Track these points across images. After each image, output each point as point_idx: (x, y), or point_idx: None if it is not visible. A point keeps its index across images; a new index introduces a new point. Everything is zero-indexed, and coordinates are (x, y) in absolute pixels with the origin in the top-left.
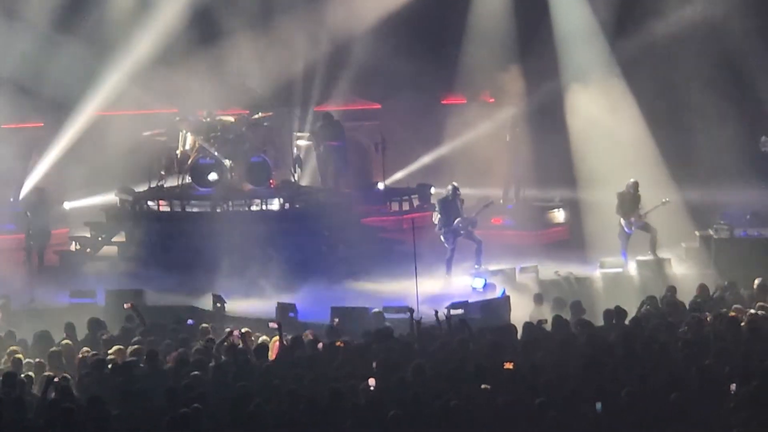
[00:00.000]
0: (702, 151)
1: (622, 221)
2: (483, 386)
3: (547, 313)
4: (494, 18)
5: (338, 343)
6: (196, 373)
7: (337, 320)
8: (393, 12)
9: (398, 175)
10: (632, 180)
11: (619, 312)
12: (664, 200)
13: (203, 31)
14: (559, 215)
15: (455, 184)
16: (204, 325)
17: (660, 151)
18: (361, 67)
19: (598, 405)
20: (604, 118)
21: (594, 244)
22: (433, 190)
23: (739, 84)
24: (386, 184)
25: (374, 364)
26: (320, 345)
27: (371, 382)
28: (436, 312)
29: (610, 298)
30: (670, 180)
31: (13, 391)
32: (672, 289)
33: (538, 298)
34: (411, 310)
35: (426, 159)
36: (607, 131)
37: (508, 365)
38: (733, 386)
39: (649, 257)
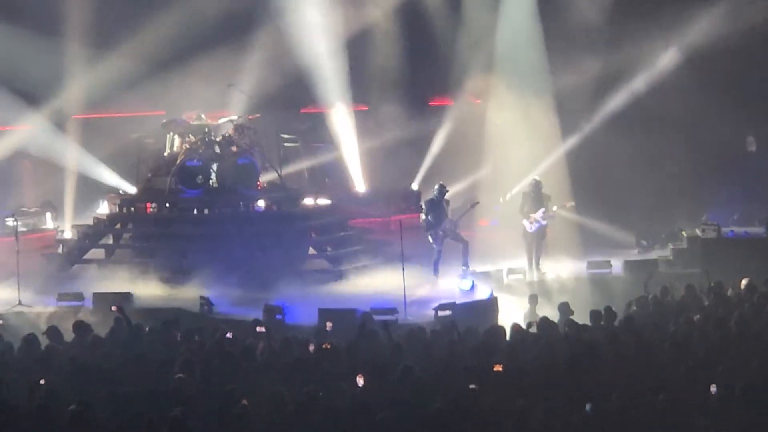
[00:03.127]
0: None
1: (524, 221)
2: (471, 386)
3: (541, 314)
4: (482, 21)
5: (325, 345)
6: (182, 375)
7: (330, 324)
8: (380, 15)
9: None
10: (534, 179)
11: (607, 313)
12: (570, 202)
13: (192, 34)
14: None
15: (442, 183)
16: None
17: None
18: (348, 68)
19: (588, 406)
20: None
21: (580, 245)
22: (415, 186)
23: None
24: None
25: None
26: (311, 347)
27: (359, 380)
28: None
29: (598, 298)
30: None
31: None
32: (664, 290)
33: (533, 299)
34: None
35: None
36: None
37: (498, 367)
38: (713, 387)
39: (636, 258)
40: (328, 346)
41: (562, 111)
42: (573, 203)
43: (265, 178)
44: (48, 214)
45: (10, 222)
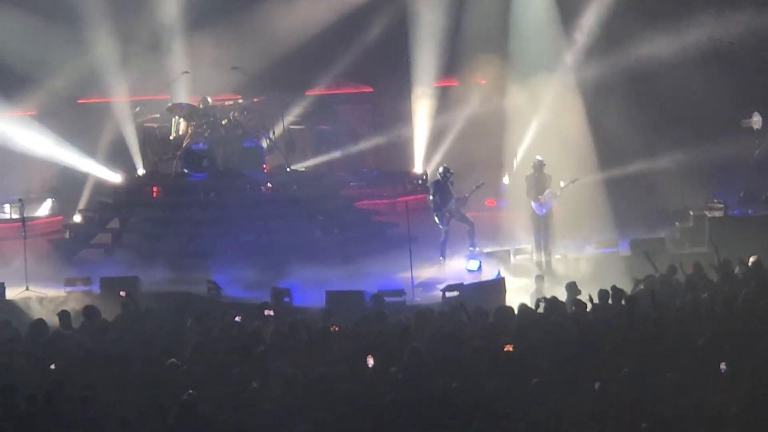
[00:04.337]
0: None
1: (533, 204)
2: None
3: (548, 294)
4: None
5: (333, 328)
6: (174, 360)
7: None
8: None
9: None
10: (536, 159)
11: (614, 291)
12: (575, 178)
13: (195, 15)
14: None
15: (446, 165)
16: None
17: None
18: (352, 50)
19: (597, 384)
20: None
21: (588, 224)
22: (419, 167)
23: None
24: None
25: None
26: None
27: (369, 360)
28: None
29: (605, 277)
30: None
31: (5, 380)
32: (671, 269)
33: (540, 279)
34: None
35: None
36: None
37: (508, 347)
38: (723, 365)
39: (642, 237)
40: (336, 329)
41: (581, 90)
42: (578, 179)
43: (270, 160)
44: (49, 201)
45: (7, 208)
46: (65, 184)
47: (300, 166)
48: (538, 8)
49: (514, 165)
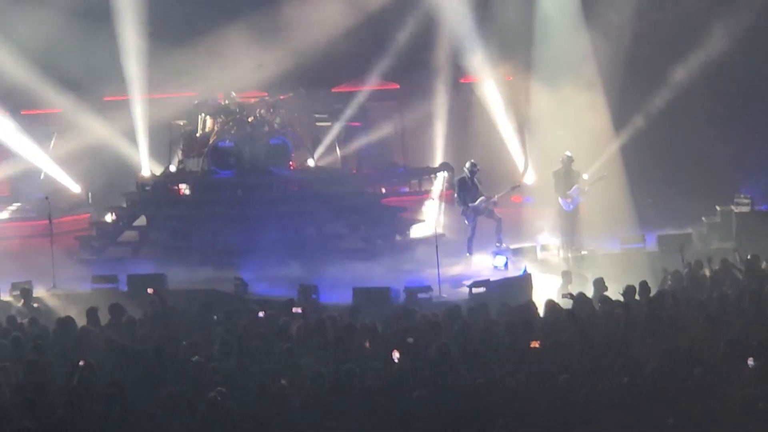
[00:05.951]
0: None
1: (560, 200)
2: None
3: (575, 291)
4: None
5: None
6: (197, 357)
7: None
8: None
9: None
10: (566, 154)
11: (642, 288)
12: (603, 174)
13: (221, 12)
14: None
15: (474, 161)
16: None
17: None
18: (379, 46)
19: (625, 380)
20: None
21: (613, 220)
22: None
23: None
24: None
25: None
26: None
27: (395, 354)
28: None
29: (632, 273)
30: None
31: (37, 378)
32: (698, 264)
33: (566, 275)
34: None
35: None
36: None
37: (535, 344)
38: (751, 361)
39: (669, 232)
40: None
41: (606, 88)
42: (605, 174)
43: (297, 158)
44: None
45: (13, 207)
46: (100, 183)
47: (326, 163)
48: (563, 5)
49: (527, 162)
